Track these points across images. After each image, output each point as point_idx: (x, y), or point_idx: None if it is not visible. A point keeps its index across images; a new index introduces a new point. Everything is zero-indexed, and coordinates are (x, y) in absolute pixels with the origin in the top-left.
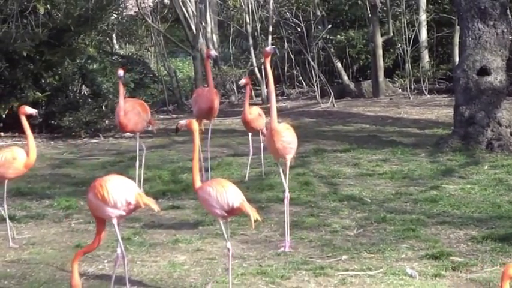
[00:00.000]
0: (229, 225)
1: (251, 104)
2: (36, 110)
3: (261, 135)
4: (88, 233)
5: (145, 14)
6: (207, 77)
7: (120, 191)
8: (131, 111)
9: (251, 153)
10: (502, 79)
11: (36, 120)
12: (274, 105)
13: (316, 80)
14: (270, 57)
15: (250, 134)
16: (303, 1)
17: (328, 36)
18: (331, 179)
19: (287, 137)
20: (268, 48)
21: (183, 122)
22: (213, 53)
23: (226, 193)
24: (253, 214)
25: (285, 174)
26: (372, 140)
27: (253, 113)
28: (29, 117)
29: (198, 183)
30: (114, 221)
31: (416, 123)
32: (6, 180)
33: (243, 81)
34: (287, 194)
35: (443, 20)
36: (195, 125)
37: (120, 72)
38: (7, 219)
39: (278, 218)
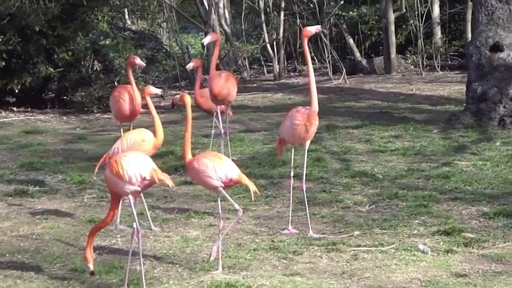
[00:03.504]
0: (241, 201)
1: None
2: (161, 90)
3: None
4: (101, 207)
5: None
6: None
7: (135, 167)
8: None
9: (212, 134)
10: None
11: (162, 100)
12: (314, 87)
13: (328, 56)
14: (308, 37)
15: (214, 114)
16: None
17: (340, 13)
18: (343, 155)
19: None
20: (313, 28)
21: (177, 96)
22: (206, 40)
23: (224, 165)
24: (252, 186)
25: (301, 157)
26: (384, 117)
27: (205, 95)
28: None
29: (189, 156)
30: (130, 197)
31: (429, 99)
32: None
33: (191, 65)
34: (292, 174)
35: None
36: (187, 99)
37: (141, 62)
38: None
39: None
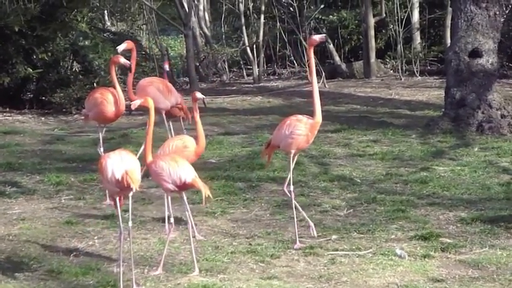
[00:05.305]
0: (219, 203)
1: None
2: (204, 96)
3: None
4: (78, 209)
5: None
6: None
7: (110, 168)
8: (123, 102)
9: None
10: (494, 61)
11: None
12: (318, 97)
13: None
14: (314, 46)
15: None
16: None
17: (320, 17)
18: (321, 159)
19: None
20: (318, 37)
21: (137, 101)
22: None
23: (179, 168)
24: (205, 191)
25: (290, 166)
26: (363, 121)
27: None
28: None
29: (149, 158)
30: (115, 197)
31: (407, 104)
32: None
33: (123, 46)
34: (291, 188)
35: (436, 1)
36: (150, 102)
37: (126, 61)
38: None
39: (268, 197)
